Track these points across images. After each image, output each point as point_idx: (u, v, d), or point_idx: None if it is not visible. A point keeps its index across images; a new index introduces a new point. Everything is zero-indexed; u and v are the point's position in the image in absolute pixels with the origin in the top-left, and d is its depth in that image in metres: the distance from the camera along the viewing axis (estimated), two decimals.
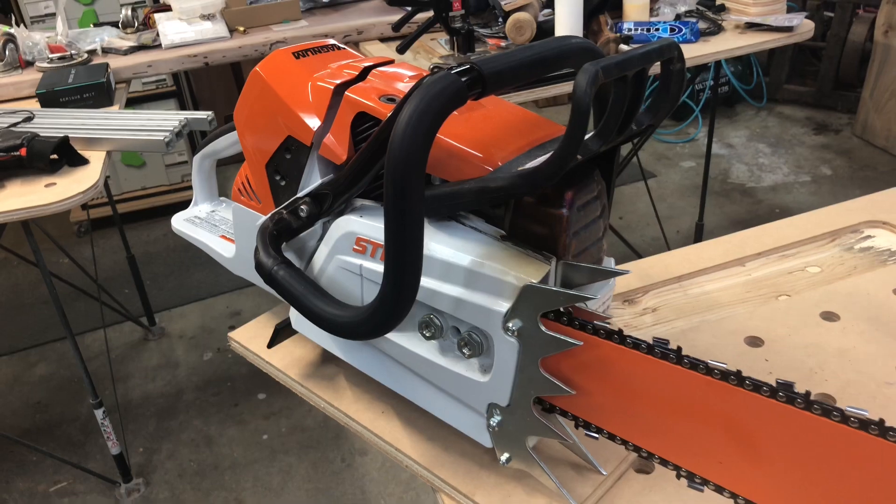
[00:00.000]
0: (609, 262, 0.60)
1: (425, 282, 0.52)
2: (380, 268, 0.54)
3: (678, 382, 0.45)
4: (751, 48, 1.53)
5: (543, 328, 0.48)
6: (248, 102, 0.64)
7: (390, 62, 0.63)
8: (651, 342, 0.46)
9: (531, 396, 0.51)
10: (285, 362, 0.69)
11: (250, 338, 0.73)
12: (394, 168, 0.43)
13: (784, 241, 0.84)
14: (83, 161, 1.25)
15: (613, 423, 0.50)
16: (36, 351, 2.22)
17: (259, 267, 0.57)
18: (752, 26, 1.61)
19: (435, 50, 1.67)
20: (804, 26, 1.57)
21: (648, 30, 1.59)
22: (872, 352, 0.66)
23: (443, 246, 0.53)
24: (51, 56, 1.71)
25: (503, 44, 1.64)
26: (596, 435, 0.51)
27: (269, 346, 0.68)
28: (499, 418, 0.53)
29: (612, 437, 0.50)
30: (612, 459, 0.55)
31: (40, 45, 1.76)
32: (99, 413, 1.51)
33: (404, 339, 0.56)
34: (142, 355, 2.14)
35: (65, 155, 1.24)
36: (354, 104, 0.57)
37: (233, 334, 0.74)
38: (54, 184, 1.20)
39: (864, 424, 0.39)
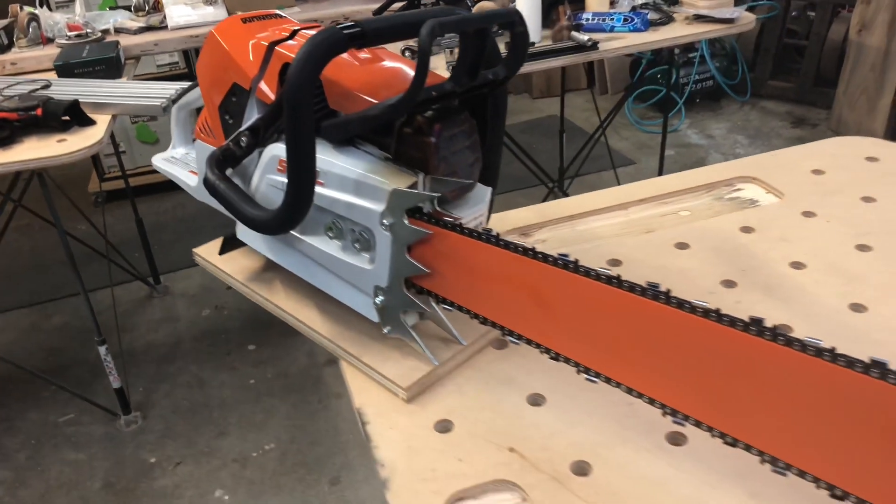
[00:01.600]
0: (485, 191, 0.75)
1: (328, 192, 0.68)
2: None
3: (499, 260, 0.60)
4: (693, 37, 1.67)
5: (407, 222, 0.63)
6: (206, 58, 0.80)
7: (318, 27, 0.78)
8: (480, 231, 0.61)
9: (402, 278, 0.66)
10: (234, 269, 0.84)
11: (209, 252, 0.88)
12: (287, 96, 0.58)
13: (665, 191, 0.98)
14: (91, 122, 1.42)
15: (461, 296, 0.65)
16: (53, 304, 2.40)
17: (205, 182, 0.73)
18: (699, 18, 1.74)
19: None
20: (744, 18, 1.70)
21: (603, 19, 1.73)
22: (707, 271, 0.80)
23: (342, 164, 0.68)
24: (69, 34, 1.89)
25: None
26: (450, 308, 0.66)
27: (220, 253, 0.84)
28: (381, 298, 0.68)
29: (460, 308, 0.65)
30: (473, 336, 0.70)
31: (60, 24, 1.93)
32: (102, 350, 1.68)
33: (315, 241, 0.71)
34: (147, 310, 2.32)
35: (75, 116, 1.41)
36: (281, 56, 0.72)
37: (196, 249, 0.89)
38: (65, 140, 1.36)
39: (632, 287, 0.53)
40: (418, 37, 0.58)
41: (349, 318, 0.73)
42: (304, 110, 0.59)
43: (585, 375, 0.57)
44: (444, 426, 0.63)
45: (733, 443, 0.50)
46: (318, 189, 0.68)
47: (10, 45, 1.85)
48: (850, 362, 0.44)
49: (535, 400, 0.65)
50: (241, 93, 0.76)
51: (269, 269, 0.84)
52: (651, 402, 0.54)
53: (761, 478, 0.52)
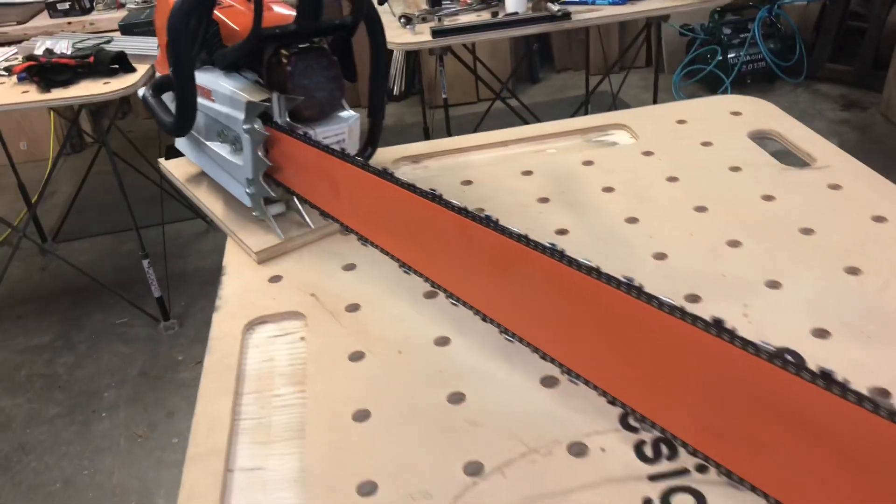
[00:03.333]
0: (350, 116, 0.93)
1: (217, 106, 0.89)
2: (202, 101, 0.91)
3: (317, 160, 0.80)
4: (665, 10, 1.76)
5: (257, 127, 0.83)
6: (158, 9, 1.03)
7: None
8: (307, 137, 0.80)
9: (261, 172, 0.86)
10: (179, 173, 1.08)
11: (171, 164, 1.12)
12: (168, 33, 0.80)
13: (544, 133, 1.13)
14: (132, 69, 1.70)
15: (303, 190, 0.85)
16: (128, 233, 2.79)
17: (143, 98, 0.96)
18: None
19: (419, 4, 2.00)
20: None
21: None
22: (533, 192, 0.96)
23: (224, 84, 0.89)
24: (138, 0, 2.20)
25: (470, 0, 1.95)
26: (296, 200, 0.86)
27: (165, 158, 1.08)
28: (250, 188, 0.89)
29: (304, 200, 0.85)
30: (322, 224, 0.90)
31: None
32: (145, 263, 2.00)
33: (213, 144, 0.93)
34: (201, 243, 2.65)
35: (121, 64, 1.70)
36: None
37: (160, 160, 1.13)
38: (109, 83, 1.65)
39: (455, 208, 0.70)
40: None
41: (237, 205, 0.95)
42: (180, 44, 0.80)
43: (390, 256, 0.76)
44: (275, 279, 0.83)
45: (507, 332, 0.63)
46: (209, 103, 0.90)
47: (91, 9, 2.19)
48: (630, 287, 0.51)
49: (349, 267, 0.84)
50: None
51: (202, 175, 1.07)
52: (412, 270, 0.72)
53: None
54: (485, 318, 0.65)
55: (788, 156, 1.00)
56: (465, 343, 0.69)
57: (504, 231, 0.59)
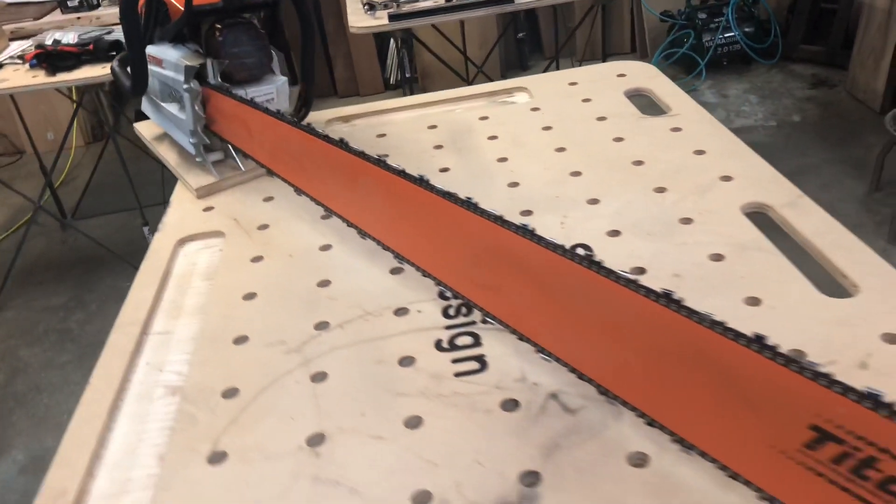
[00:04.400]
0: (279, 79, 1.10)
1: (166, 72, 1.06)
2: (155, 68, 1.09)
3: (236, 110, 0.97)
4: None
5: (193, 86, 1.01)
6: None
7: None
8: (241, 97, 0.97)
9: (199, 123, 1.04)
10: (147, 133, 1.26)
11: (141, 125, 1.30)
12: (119, 13, 0.97)
13: (458, 96, 1.29)
14: None
15: (230, 136, 1.02)
16: (136, 211, 3.00)
17: (111, 69, 1.14)
18: None
19: None
20: None
21: None
22: (432, 140, 1.12)
23: (171, 53, 1.06)
24: None
25: None
26: (231, 149, 1.03)
27: (135, 121, 1.26)
28: (192, 138, 1.06)
29: (238, 149, 1.03)
30: (252, 167, 1.07)
31: None
32: (145, 230, 2.20)
33: (166, 105, 1.11)
34: None
35: (117, 51, 1.89)
36: None
37: (136, 124, 1.31)
38: (106, 67, 1.85)
39: (351, 150, 0.88)
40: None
41: (186, 155, 1.12)
42: (128, 22, 0.98)
43: (293, 187, 0.93)
44: (208, 209, 1.01)
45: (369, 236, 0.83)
46: (161, 70, 1.08)
47: (98, 5, 2.39)
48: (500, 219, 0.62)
49: (268, 199, 1.01)
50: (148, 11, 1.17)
51: (165, 134, 1.25)
52: (313, 199, 0.89)
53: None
54: (360, 232, 0.82)
55: (654, 108, 1.15)
56: (343, 249, 0.86)
57: (383, 165, 0.75)
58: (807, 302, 0.67)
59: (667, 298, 0.49)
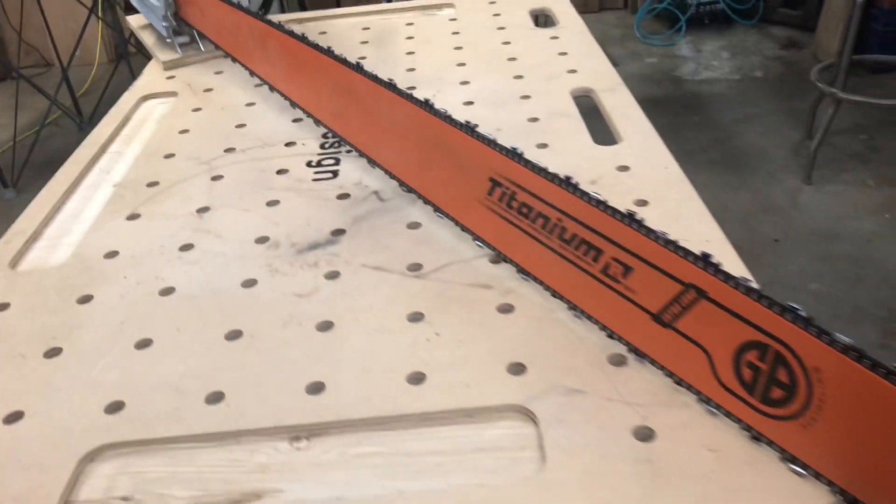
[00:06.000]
0: None
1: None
2: None
3: (212, 7, 1.16)
4: None
5: None
6: None
7: None
8: None
9: (170, 10, 1.23)
10: (136, 24, 1.45)
11: (132, 18, 1.50)
12: None
13: (394, 7, 1.47)
14: None
15: (196, 23, 1.22)
16: None
17: None
18: None
19: None
20: None
21: None
22: (362, 38, 1.31)
23: None
24: None
25: None
26: (195, 34, 1.23)
27: (126, 15, 1.45)
28: (164, 22, 1.26)
29: (202, 34, 1.22)
30: (210, 49, 1.27)
31: None
32: None
33: None
34: None
35: None
36: None
37: (129, 17, 1.51)
38: None
39: (292, 34, 1.07)
40: None
41: (162, 39, 1.32)
42: None
43: (239, 62, 1.14)
44: (170, 78, 1.21)
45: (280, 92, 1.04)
46: None
47: None
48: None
49: (219, 73, 1.21)
50: None
51: (150, 26, 1.45)
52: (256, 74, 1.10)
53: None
54: (271, 88, 1.02)
55: (549, 22, 1.32)
56: (264, 106, 1.07)
57: (305, 41, 0.95)
58: (581, 146, 0.87)
59: (426, 105, 0.69)
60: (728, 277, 0.47)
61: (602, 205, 0.54)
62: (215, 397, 0.55)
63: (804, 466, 0.45)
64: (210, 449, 0.52)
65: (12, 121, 2.98)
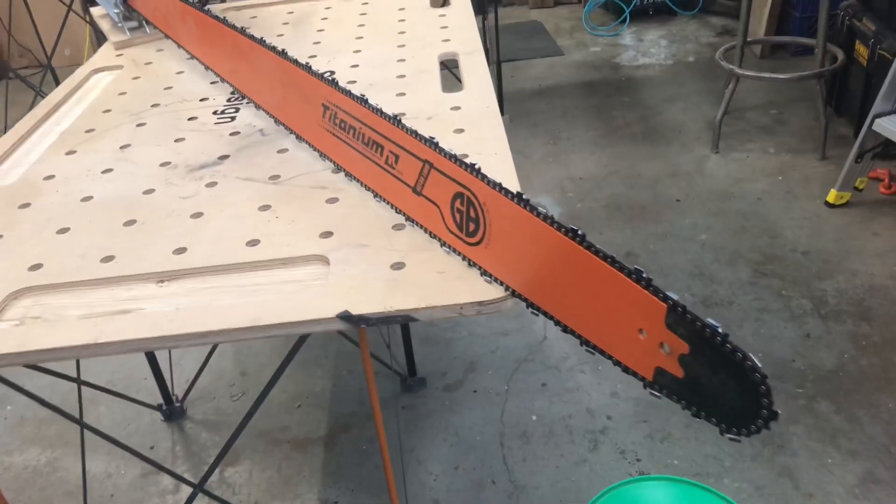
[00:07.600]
0: None
1: None
2: None
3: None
4: None
5: None
6: None
7: None
8: None
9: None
10: (97, 14, 1.64)
11: (95, 10, 1.68)
12: None
13: None
14: None
15: (143, 10, 1.41)
16: None
17: None
18: None
19: None
20: None
21: None
22: (284, 20, 1.49)
23: None
24: None
25: None
26: (144, 20, 1.42)
27: (91, 6, 1.64)
28: (116, 8, 1.44)
29: (146, 20, 1.41)
30: (155, 31, 1.45)
31: None
32: None
33: None
34: None
35: None
36: None
37: (92, 8, 1.70)
38: None
39: (219, 19, 1.26)
40: None
41: (115, 24, 1.51)
42: None
43: (176, 43, 1.33)
44: (119, 55, 1.40)
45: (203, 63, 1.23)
46: None
47: None
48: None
49: (160, 51, 1.40)
50: None
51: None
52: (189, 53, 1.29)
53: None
54: (199, 61, 1.21)
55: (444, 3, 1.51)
56: (190, 75, 1.25)
57: (229, 25, 1.14)
58: (431, 94, 1.06)
59: (282, 53, 0.88)
60: (443, 152, 0.66)
61: (378, 111, 0.73)
62: (108, 259, 0.74)
63: (489, 275, 0.64)
64: (99, 289, 0.71)
65: (2, 116, 3.17)
